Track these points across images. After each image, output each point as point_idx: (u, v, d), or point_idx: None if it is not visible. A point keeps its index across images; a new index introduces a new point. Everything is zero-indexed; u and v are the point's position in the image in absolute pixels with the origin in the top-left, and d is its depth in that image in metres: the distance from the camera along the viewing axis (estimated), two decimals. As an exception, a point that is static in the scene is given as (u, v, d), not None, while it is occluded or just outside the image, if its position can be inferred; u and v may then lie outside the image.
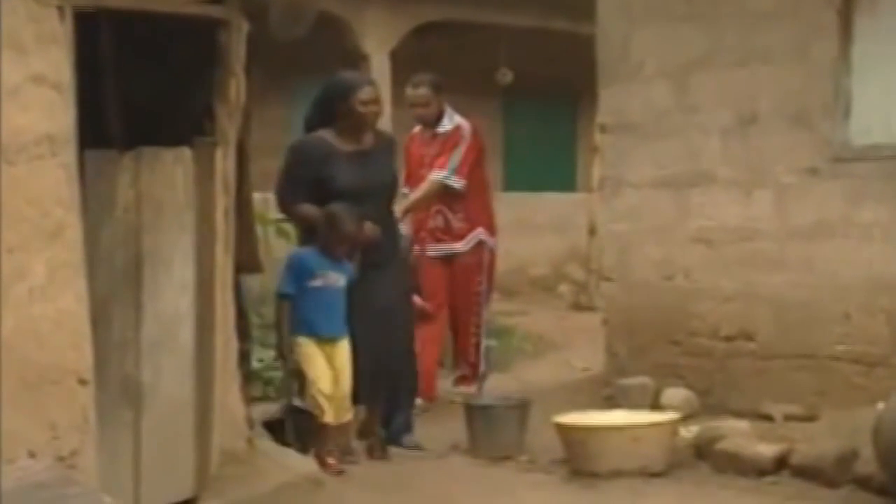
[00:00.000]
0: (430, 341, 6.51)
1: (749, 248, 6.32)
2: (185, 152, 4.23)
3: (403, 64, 12.05)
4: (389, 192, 5.68)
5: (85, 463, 3.67)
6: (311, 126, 5.59)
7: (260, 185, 5.85)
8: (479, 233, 6.69)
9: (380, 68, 12.16)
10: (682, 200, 6.57)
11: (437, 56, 11.41)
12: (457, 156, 6.57)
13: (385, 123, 12.32)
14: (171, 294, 4.17)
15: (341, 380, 5.18)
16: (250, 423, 4.70)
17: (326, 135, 5.48)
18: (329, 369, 5.16)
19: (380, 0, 11.88)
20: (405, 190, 6.63)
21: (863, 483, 4.95)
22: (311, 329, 5.18)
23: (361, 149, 5.51)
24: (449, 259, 6.68)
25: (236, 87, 4.44)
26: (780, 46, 6.20)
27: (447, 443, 5.79)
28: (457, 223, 6.64)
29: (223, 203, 4.37)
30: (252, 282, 5.37)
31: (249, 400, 4.88)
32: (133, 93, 4.48)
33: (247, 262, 4.73)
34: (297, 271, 5.22)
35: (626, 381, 6.39)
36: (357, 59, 12.18)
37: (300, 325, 5.20)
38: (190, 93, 4.42)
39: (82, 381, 3.68)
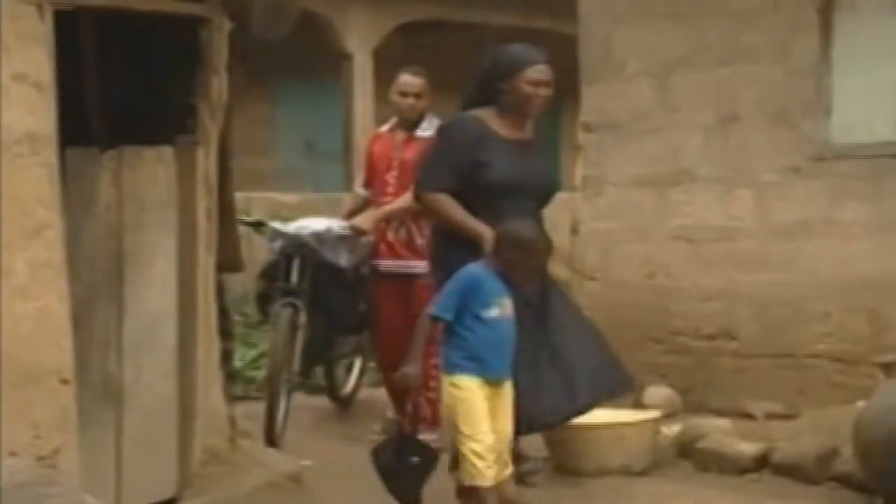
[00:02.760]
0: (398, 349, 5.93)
1: (730, 246, 6.35)
2: (167, 151, 4.23)
3: (386, 63, 12.05)
4: (549, 193, 4.88)
5: (66, 462, 3.67)
6: (469, 105, 4.82)
7: (243, 185, 5.85)
8: None
9: (362, 67, 12.17)
10: (664, 199, 6.60)
11: (420, 55, 11.41)
12: None
13: (368, 122, 12.41)
14: (153, 293, 4.17)
15: (505, 427, 4.32)
16: (232, 422, 4.69)
17: (484, 116, 4.71)
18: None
19: (361, -2, 11.89)
20: (362, 191, 6.27)
21: (843, 480, 4.99)
22: (482, 369, 4.24)
23: (523, 138, 4.73)
24: (405, 278, 5.90)
25: (218, 85, 4.43)
26: (761, 45, 6.23)
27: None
28: (420, 239, 5.87)
29: (205, 202, 4.36)
30: (234, 281, 5.36)
31: (231, 399, 4.87)
32: (115, 91, 4.47)
33: (229, 261, 4.72)
34: (468, 295, 4.23)
35: (609, 379, 6.41)
36: (340, 58, 12.18)
37: (464, 363, 4.24)
38: (172, 91, 4.41)
39: (63, 381, 3.68)
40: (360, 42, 12.11)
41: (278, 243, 6.03)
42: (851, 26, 6.05)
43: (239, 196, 5.04)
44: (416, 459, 4.29)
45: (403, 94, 6.00)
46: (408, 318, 5.72)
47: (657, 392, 6.22)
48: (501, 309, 4.27)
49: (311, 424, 6.20)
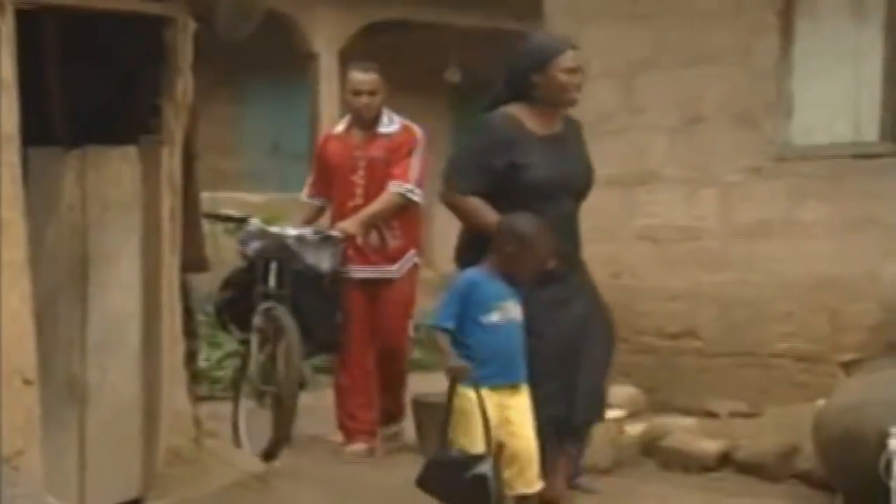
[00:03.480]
0: (362, 377, 5.71)
1: (694, 246, 6.39)
2: (131, 151, 4.21)
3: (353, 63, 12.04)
4: (587, 189, 4.68)
5: (29, 463, 3.64)
6: (496, 103, 4.53)
7: (208, 184, 5.81)
8: (412, 254, 5.73)
9: (329, 67, 12.14)
10: (629, 199, 6.63)
11: (386, 55, 11.41)
12: (416, 165, 5.60)
13: (335, 122, 12.36)
14: (118, 293, 4.15)
15: (522, 430, 4.11)
16: (197, 422, 4.67)
17: (517, 112, 4.43)
18: (492, 430, 4.03)
19: (327, -1, 11.88)
20: (313, 201, 5.90)
21: (804, 478, 5.05)
22: (488, 378, 4.03)
23: (555, 133, 4.48)
24: (376, 284, 5.66)
25: (183, 85, 4.41)
26: (723, 47, 6.28)
27: (397, 442, 5.83)
28: (392, 241, 5.64)
29: (169, 201, 4.35)
30: (199, 281, 5.33)
31: (196, 399, 4.85)
32: (79, 91, 4.44)
33: (193, 260, 4.70)
34: (466, 301, 4.06)
35: (574, 378, 6.43)
36: (306, 58, 12.15)
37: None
38: (137, 91, 4.39)
39: (26, 381, 3.65)
40: (326, 42, 12.09)
41: (254, 245, 5.50)
42: (811, 29, 6.11)
43: (204, 196, 5.02)
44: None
45: (357, 93, 5.69)
46: (376, 324, 5.68)
47: (621, 391, 6.23)
48: (503, 313, 4.07)
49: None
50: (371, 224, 5.57)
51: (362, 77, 5.70)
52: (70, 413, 4.02)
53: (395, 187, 5.57)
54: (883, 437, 4.38)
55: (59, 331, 3.97)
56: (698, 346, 6.39)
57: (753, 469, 5.16)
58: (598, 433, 5.30)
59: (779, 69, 6.13)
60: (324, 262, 5.49)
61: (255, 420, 5.45)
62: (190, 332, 4.68)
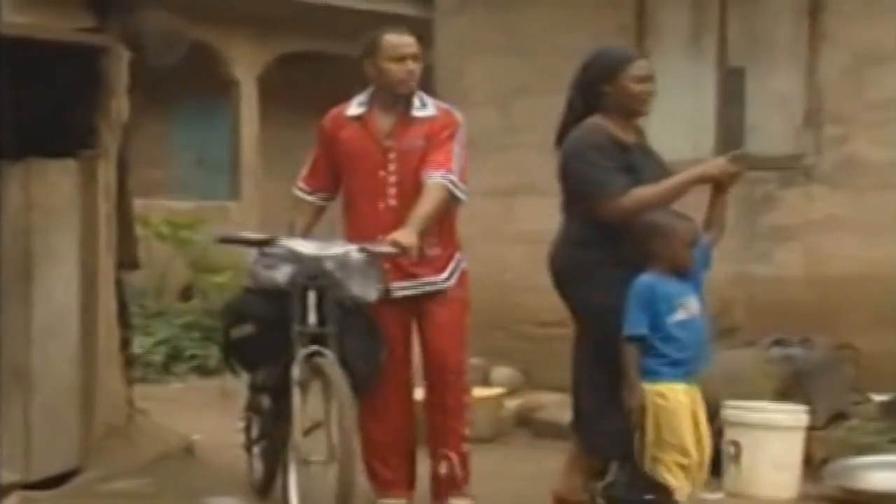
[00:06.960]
0: (402, 415, 4.09)
1: (563, 247, 6.55)
2: (71, 163, 4.20)
3: (270, 89, 12.00)
4: None
5: (-22, 439, 3.61)
6: (575, 116, 3.86)
7: (140, 192, 5.78)
8: (460, 259, 4.14)
9: (248, 92, 12.10)
10: (508, 207, 6.77)
11: (299, 83, 11.42)
12: (459, 152, 3.98)
13: (254, 139, 12.27)
14: (59, 288, 4.14)
15: (705, 436, 3.64)
16: (130, 401, 4.67)
17: (602, 122, 3.79)
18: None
19: (246, 31, 11.82)
20: (310, 197, 4.09)
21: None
22: (681, 373, 3.59)
23: (639, 142, 3.89)
24: (419, 300, 4.01)
25: (117, 106, 4.42)
26: (587, 78, 6.46)
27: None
28: (431, 250, 3.97)
29: (105, 208, 4.35)
30: (133, 277, 5.31)
31: (130, 381, 4.85)
32: (24, 109, 4.41)
33: (127, 260, 4.70)
34: (653, 304, 3.59)
35: (461, 361, 6.53)
36: (228, 84, 12.09)
37: (665, 370, 3.57)
38: (76, 110, 4.38)
39: (-24, 366, 3.63)
40: (245, 70, 12.04)
41: (285, 270, 3.72)
42: (658, 64, 6.16)
43: (137, 202, 5.01)
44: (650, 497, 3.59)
45: (400, 59, 3.91)
46: (425, 350, 4.08)
47: (501, 372, 6.37)
48: (686, 310, 3.63)
49: (201, 404, 6.17)
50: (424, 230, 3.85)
51: (403, 39, 3.95)
52: (16, 394, 3.99)
53: (439, 177, 3.88)
54: (716, 408, 4.58)
55: (6, 321, 3.95)
56: (567, 332, 6.50)
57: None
58: (482, 407, 5.43)
59: (633, 97, 6.32)
60: (371, 290, 3.84)
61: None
62: (124, 322, 4.69)
